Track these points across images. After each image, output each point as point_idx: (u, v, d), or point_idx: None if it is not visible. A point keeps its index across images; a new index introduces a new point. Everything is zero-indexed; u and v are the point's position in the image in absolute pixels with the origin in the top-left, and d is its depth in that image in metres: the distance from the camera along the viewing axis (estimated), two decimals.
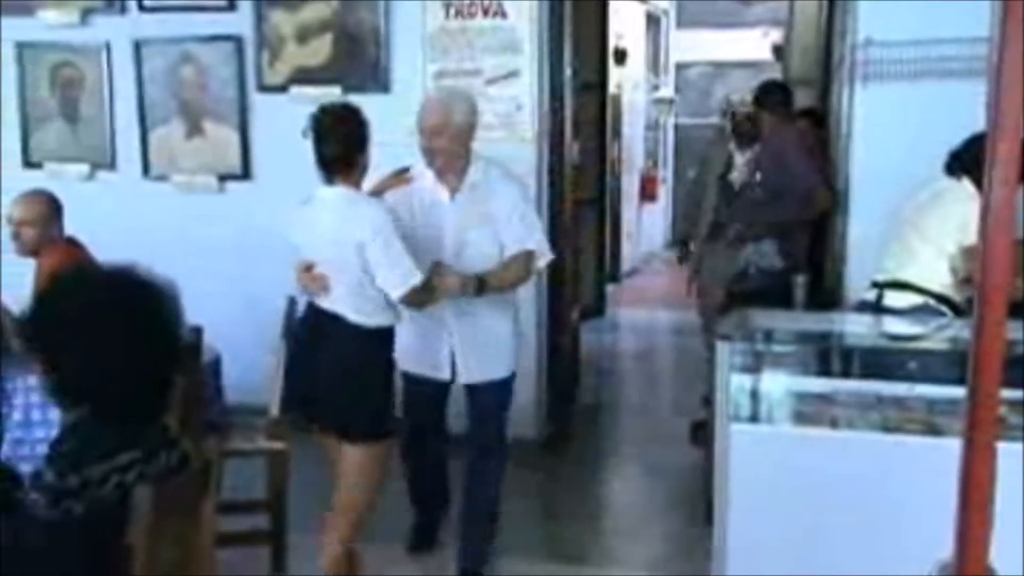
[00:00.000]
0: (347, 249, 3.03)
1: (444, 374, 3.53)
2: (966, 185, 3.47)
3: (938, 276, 3.52)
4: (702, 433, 4.81)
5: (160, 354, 1.89)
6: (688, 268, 5.51)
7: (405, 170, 3.44)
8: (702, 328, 5.45)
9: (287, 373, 3.26)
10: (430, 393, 3.57)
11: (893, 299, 3.60)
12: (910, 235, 3.63)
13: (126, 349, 1.82)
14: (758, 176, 5.03)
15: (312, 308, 3.18)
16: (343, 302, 3.07)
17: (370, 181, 3.34)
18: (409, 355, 3.43)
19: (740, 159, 5.22)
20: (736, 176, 5.20)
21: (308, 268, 3.14)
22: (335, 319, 3.07)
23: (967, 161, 3.46)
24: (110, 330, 1.82)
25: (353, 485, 3.13)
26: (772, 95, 5.32)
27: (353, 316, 3.06)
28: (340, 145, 3.09)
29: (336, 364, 3.05)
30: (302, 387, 3.17)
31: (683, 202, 5.72)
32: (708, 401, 5.04)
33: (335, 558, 3.17)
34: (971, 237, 3.42)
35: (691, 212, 5.63)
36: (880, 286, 3.64)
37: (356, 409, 3.08)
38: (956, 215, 3.44)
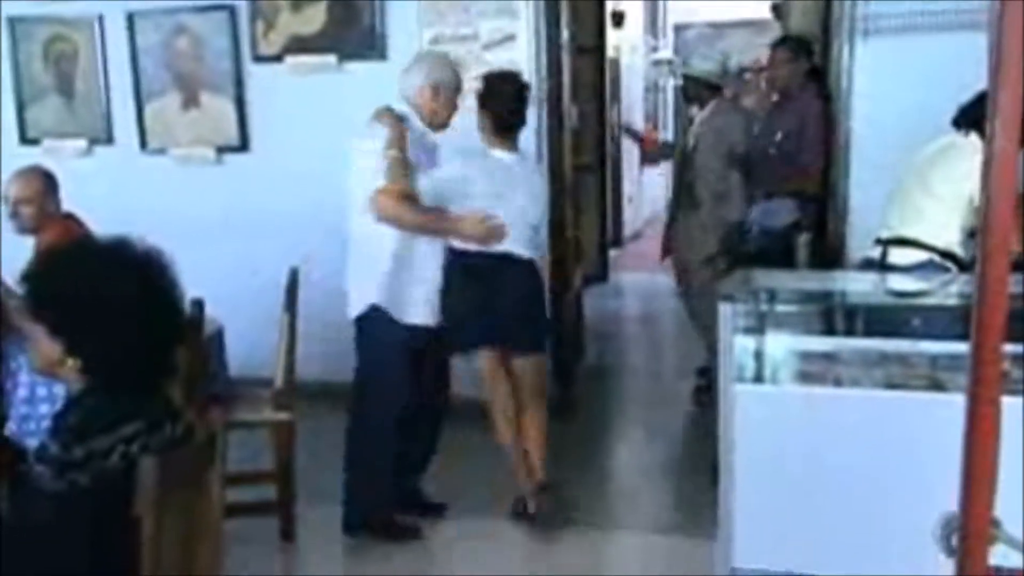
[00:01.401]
0: (531, 197, 3.70)
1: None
2: (973, 140, 3.44)
3: (944, 232, 3.51)
4: (705, 397, 4.83)
5: (156, 324, 1.88)
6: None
7: (390, 109, 3.55)
8: (679, 295, 5.47)
9: (464, 311, 3.62)
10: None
11: (898, 256, 3.58)
12: (915, 191, 3.60)
13: (121, 320, 1.82)
14: (779, 135, 5.02)
15: (468, 255, 3.57)
16: (519, 243, 3.63)
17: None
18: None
19: (697, 119, 5.23)
20: (691, 136, 5.20)
21: (482, 220, 3.50)
22: (505, 259, 3.60)
23: (976, 115, 3.43)
24: (104, 302, 1.82)
25: (541, 391, 3.82)
26: (795, 48, 5.31)
27: (526, 253, 3.67)
28: (520, 110, 3.67)
29: (525, 292, 3.72)
30: (488, 319, 3.64)
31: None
32: (703, 372, 5.08)
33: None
34: (978, 193, 3.40)
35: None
36: (884, 243, 3.62)
37: (546, 324, 4.02)
38: (963, 170, 3.41)
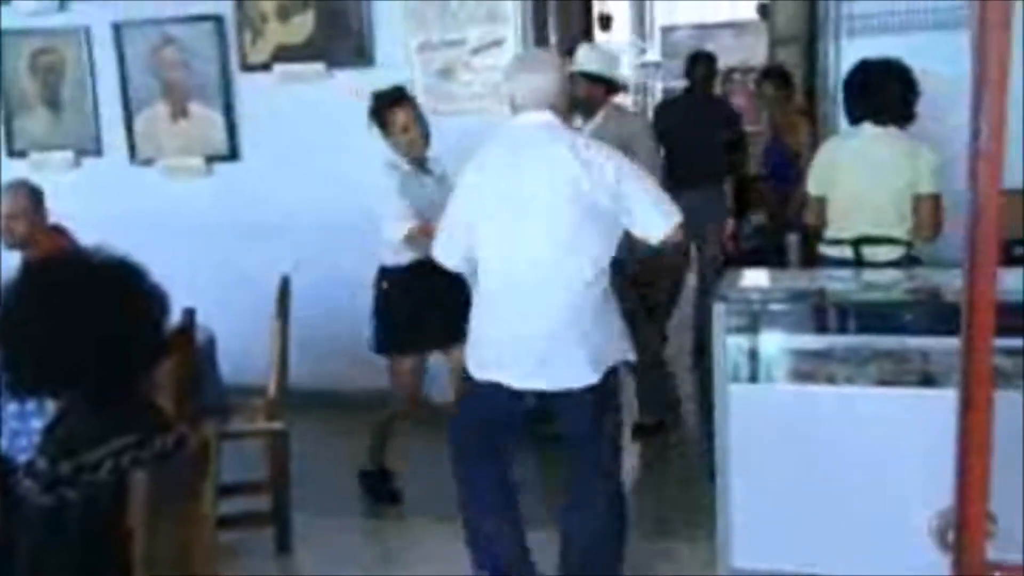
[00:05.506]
0: None
1: None
2: (892, 132, 3.60)
3: (907, 224, 3.60)
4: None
5: (131, 336, 1.86)
6: None
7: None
8: None
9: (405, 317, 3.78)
10: None
11: (872, 254, 3.62)
12: (874, 190, 3.64)
13: (94, 335, 1.79)
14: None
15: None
16: None
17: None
18: None
19: (587, 129, 4.32)
20: None
21: None
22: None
23: (880, 106, 3.59)
24: (75, 318, 1.79)
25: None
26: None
27: None
28: None
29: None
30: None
31: None
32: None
33: None
34: (921, 186, 3.57)
35: None
36: (854, 243, 3.65)
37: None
38: (905, 165, 3.56)
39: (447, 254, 3.06)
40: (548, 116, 2.94)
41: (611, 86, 4.36)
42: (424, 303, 3.71)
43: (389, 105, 3.71)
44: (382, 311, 3.83)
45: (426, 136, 3.73)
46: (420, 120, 3.73)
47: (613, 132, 4.21)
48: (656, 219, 2.92)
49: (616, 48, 10.39)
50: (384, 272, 3.80)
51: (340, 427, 4.64)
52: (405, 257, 3.69)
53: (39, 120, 5.55)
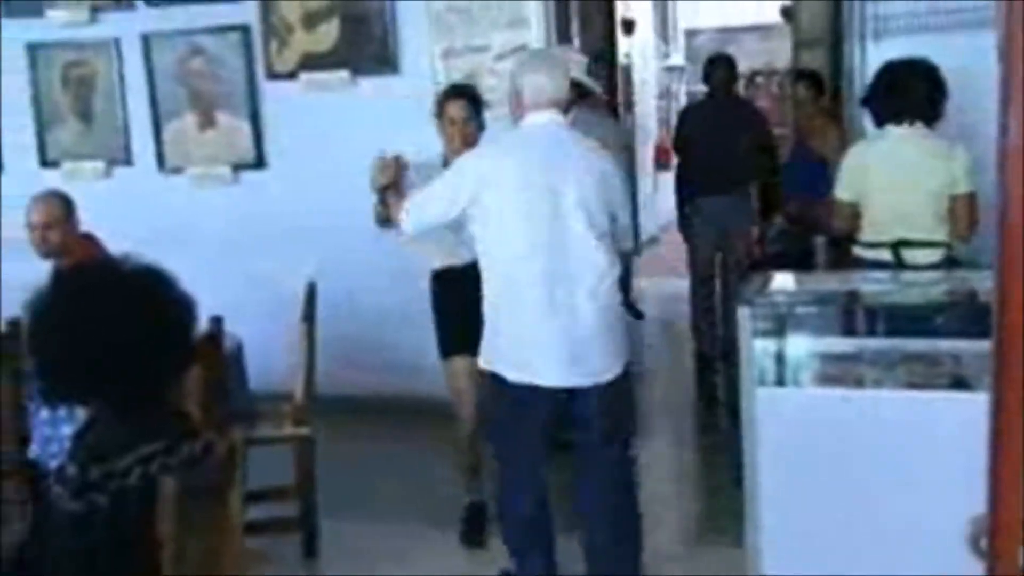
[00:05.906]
0: None
1: None
2: (921, 131, 3.55)
3: (945, 226, 3.56)
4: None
5: (158, 343, 1.87)
6: None
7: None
8: None
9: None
10: None
11: (911, 256, 3.58)
12: (909, 192, 3.60)
13: (122, 343, 1.80)
14: None
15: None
16: None
17: None
18: None
19: None
20: None
21: None
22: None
23: (906, 106, 3.54)
24: (104, 325, 1.80)
25: None
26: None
27: None
28: None
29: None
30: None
31: None
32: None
33: None
34: (957, 186, 3.54)
35: None
36: (893, 246, 3.61)
37: None
38: (939, 166, 3.52)
39: (418, 220, 3.07)
40: (558, 115, 3.00)
41: (580, 90, 4.24)
42: (474, 305, 3.56)
43: (447, 97, 3.75)
44: (437, 316, 3.79)
45: (466, 135, 3.64)
46: (469, 120, 3.67)
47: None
48: (627, 232, 3.19)
49: (639, 51, 10.38)
50: (435, 277, 3.76)
51: (365, 432, 4.65)
52: (454, 260, 3.60)
53: (71, 131, 5.63)
